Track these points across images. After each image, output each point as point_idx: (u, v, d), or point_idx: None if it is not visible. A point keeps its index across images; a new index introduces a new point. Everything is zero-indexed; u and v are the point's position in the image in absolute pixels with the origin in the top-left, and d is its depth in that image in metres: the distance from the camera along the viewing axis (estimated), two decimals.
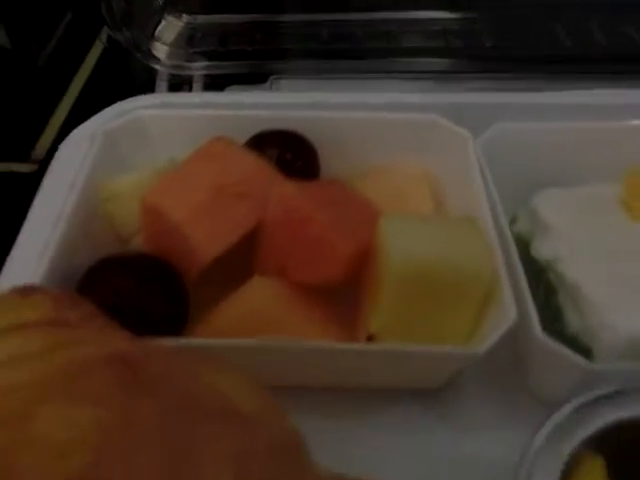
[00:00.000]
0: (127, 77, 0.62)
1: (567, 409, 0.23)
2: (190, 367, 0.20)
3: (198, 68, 0.52)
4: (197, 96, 0.49)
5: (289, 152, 0.35)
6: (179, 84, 0.53)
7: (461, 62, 0.53)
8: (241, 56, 0.53)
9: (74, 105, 0.62)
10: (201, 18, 0.56)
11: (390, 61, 0.52)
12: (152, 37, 0.54)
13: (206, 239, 0.29)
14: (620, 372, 0.27)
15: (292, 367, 0.29)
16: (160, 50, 0.54)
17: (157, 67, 0.52)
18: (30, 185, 0.40)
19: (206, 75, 0.52)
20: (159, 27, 0.55)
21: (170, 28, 0.55)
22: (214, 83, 0.52)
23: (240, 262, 0.31)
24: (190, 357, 0.21)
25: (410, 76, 0.50)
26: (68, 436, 0.17)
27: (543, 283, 0.34)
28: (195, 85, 0.52)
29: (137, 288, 0.28)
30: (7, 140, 0.59)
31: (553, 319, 0.32)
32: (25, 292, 0.23)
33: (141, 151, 0.37)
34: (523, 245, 0.35)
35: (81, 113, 0.47)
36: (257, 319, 0.29)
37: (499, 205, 0.33)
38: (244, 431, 0.18)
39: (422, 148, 0.37)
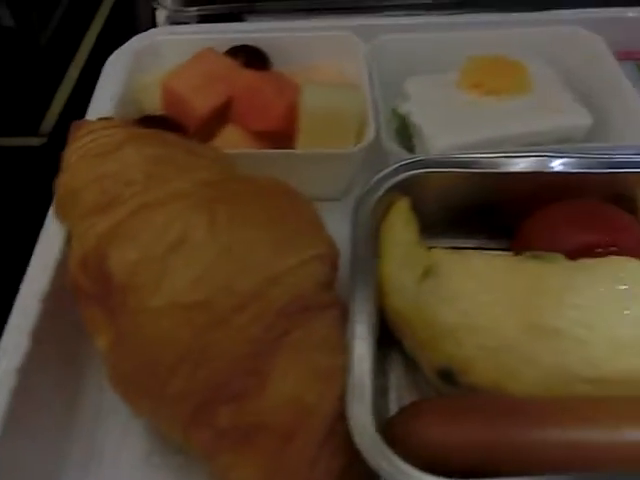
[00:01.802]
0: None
1: (391, 167, 0.44)
2: None
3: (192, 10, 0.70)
4: (193, 27, 0.67)
5: (249, 57, 0.56)
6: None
7: None
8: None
9: (77, 81, 0.69)
10: None
11: None
12: None
13: (201, 103, 0.51)
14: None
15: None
16: None
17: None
18: (41, 157, 0.45)
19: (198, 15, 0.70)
20: None
21: None
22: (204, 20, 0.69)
23: (220, 121, 0.53)
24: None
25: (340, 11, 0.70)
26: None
27: (406, 133, 0.55)
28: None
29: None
30: (16, 116, 0.65)
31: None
32: (108, 119, 0.45)
33: (157, 62, 0.58)
34: (397, 112, 0.56)
35: (84, 88, 0.52)
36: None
37: (376, 81, 0.54)
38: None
39: (337, 53, 0.58)
